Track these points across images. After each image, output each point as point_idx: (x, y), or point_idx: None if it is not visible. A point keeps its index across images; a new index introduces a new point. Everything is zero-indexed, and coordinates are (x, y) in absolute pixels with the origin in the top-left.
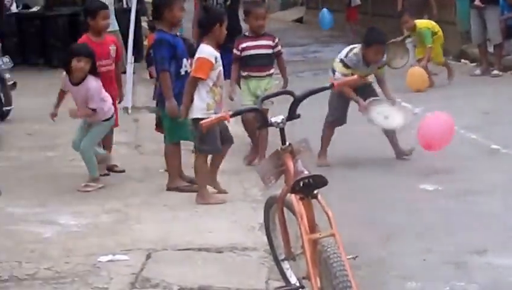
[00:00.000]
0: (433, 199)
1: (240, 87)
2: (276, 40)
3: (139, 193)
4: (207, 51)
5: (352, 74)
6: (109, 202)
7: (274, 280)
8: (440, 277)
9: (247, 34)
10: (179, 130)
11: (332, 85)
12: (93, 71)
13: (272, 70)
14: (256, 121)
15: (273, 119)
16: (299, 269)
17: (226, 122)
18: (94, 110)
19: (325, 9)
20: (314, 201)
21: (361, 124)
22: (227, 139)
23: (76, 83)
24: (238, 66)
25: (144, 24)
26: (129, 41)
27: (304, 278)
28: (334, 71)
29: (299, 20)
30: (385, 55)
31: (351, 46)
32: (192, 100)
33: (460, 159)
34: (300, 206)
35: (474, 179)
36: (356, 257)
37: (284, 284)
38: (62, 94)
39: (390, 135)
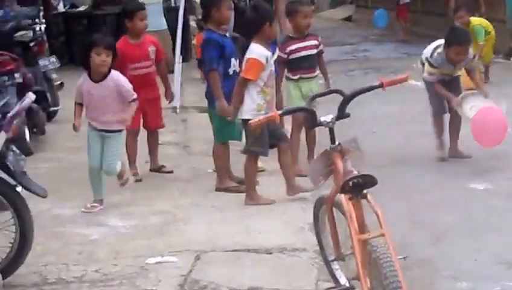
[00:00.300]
0: (484, 198)
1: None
2: (320, 39)
3: (188, 193)
4: (258, 52)
5: (442, 73)
6: (158, 203)
7: (324, 281)
8: (491, 277)
9: (291, 35)
10: (228, 130)
11: (381, 84)
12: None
13: (318, 71)
14: (305, 121)
15: (322, 119)
16: (349, 269)
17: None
18: (135, 100)
19: (381, 9)
20: (363, 201)
21: (413, 123)
22: (281, 138)
23: (99, 80)
24: (284, 69)
25: (192, 23)
26: (177, 41)
27: (353, 278)
28: (423, 64)
29: (348, 19)
30: (470, 53)
31: (436, 43)
32: (242, 101)
33: (510, 157)
34: (349, 206)
35: None
36: (406, 257)
37: (333, 285)
38: (79, 108)
39: (454, 134)
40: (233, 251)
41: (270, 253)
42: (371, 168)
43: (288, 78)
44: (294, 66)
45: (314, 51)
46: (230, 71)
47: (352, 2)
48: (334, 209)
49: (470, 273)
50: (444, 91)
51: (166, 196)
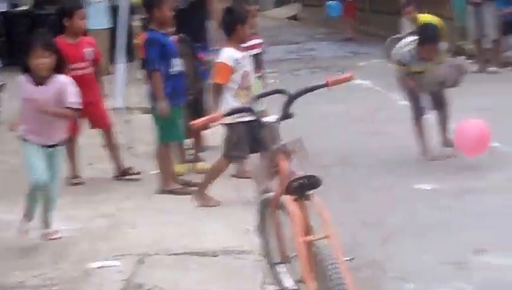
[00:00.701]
0: (432, 198)
1: None
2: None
3: (132, 196)
4: (225, 55)
5: (410, 71)
6: (101, 206)
7: (269, 284)
8: (439, 278)
9: None
10: (171, 130)
11: (326, 83)
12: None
13: (261, 71)
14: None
15: (265, 119)
16: (294, 272)
17: None
18: (77, 109)
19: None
20: (309, 202)
21: (360, 122)
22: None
23: (41, 83)
24: None
25: (137, 22)
26: (119, 40)
27: (299, 281)
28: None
29: (294, 18)
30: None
31: (408, 40)
32: (219, 106)
33: (459, 157)
34: (294, 208)
35: (473, 177)
36: (353, 258)
37: (279, 287)
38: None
39: (443, 127)
40: (178, 254)
41: (216, 256)
42: (317, 168)
43: None
44: None
45: (260, 50)
46: (173, 71)
47: (297, 1)
48: (278, 211)
49: (418, 274)
50: (411, 83)
51: (110, 198)
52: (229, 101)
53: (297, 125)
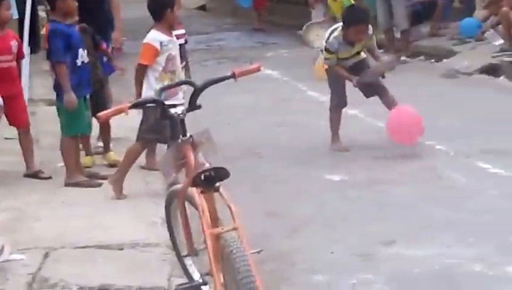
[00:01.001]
0: (341, 189)
1: None
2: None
3: (37, 189)
4: (150, 36)
5: (339, 58)
6: (6, 200)
7: (177, 277)
8: (347, 270)
9: None
10: (77, 123)
11: (233, 74)
12: None
13: (184, 62)
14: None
15: (172, 111)
16: (203, 265)
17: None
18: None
19: None
20: (216, 194)
21: (268, 113)
22: None
23: None
24: None
25: (42, 13)
26: (25, 31)
27: (207, 274)
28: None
29: (203, 8)
30: (369, 32)
31: (333, 27)
32: (142, 88)
33: (367, 147)
34: (201, 200)
35: (382, 168)
36: (261, 250)
37: (186, 280)
38: None
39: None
40: (84, 247)
41: (122, 249)
42: (225, 160)
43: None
44: None
45: (183, 41)
46: (78, 62)
47: None
48: (186, 203)
49: (327, 266)
50: (342, 72)
51: (15, 192)
52: (152, 84)
53: (206, 116)
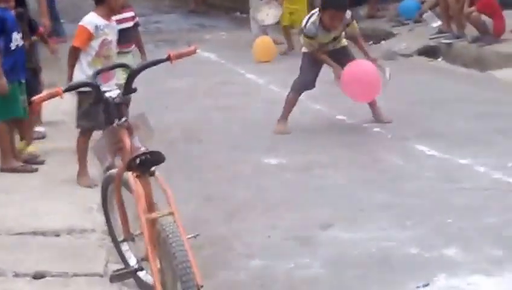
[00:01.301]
0: (278, 173)
1: None
2: (135, 10)
3: None
4: (86, 19)
5: (320, 43)
6: None
7: (113, 263)
8: (285, 254)
9: None
10: (11, 107)
11: (168, 57)
12: None
13: (133, 45)
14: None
15: (108, 94)
16: (139, 250)
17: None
18: None
19: None
20: (152, 179)
21: (206, 97)
22: None
23: None
24: None
25: None
26: None
27: (143, 259)
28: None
29: None
30: (347, 18)
31: (312, 12)
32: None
33: (305, 130)
34: (137, 185)
35: (319, 151)
36: (197, 235)
37: (123, 266)
38: None
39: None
40: (18, 234)
41: (58, 235)
42: (162, 144)
43: None
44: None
45: (131, 24)
46: (13, 46)
47: None
48: (122, 187)
49: (264, 251)
50: (328, 60)
51: None
52: (84, 68)
53: (143, 100)
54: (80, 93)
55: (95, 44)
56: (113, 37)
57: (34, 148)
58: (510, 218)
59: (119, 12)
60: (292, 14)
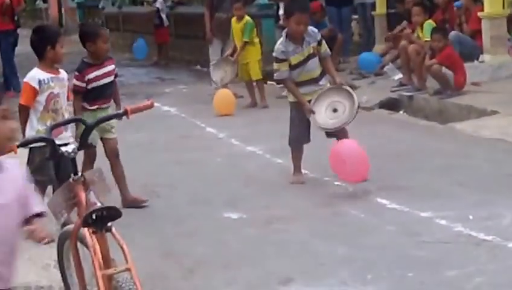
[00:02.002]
0: (238, 228)
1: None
2: (114, 61)
3: None
4: (29, 75)
5: (291, 64)
6: None
7: None
8: None
9: (87, 60)
10: None
11: (126, 111)
12: None
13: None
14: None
15: (63, 149)
16: None
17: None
18: None
19: (140, 39)
20: (109, 234)
21: (165, 150)
22: None
23: None
24: (80, 99)
25: None
26: None
27: None
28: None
29: None
30: (316, 32)
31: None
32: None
33: (266, 185)
34: (93, 240)
35: (280, 205)
36: None
37: None
38: None
39: (340, 134)
40: None
41: None
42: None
43: (84, 108)
44: (94, 96)
45: (112, 78)
46: None
47: (103, 25)
48: (78, 243)
49: None
50: (297, 92)
51: None
52: (34, 124)
53: (99, 154)
54: (31, 149)
55: (42, 99)
56: (60, 90)
57: None
58: (471, 271)
59: (59, 62)
60: (246, 66)
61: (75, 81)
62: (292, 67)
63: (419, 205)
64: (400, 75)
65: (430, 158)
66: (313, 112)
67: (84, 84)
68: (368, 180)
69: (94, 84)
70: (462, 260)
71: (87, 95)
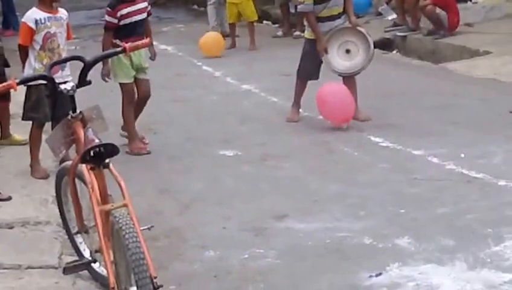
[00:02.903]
0: (233, 164)
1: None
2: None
3: None
4: (26, 15)
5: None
6: None
7: (67, 255)
8: (239, 245)
9: None
10: None
11: (124, 49)
12: None
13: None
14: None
15: (62, 86)
16: (93, 242)
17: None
18: None
19: None
20: (107, 171)
21: (163, 88)
22: None
23: None
24: (111, 36)
25: None
26: None
27: (97, 251)
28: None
29: None
30: None
31: None
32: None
33: (261, 122)
34: (91, 177)
35: (274, 143)
36: (152, 227)
37: (77, 258)
38: None
39: (351, 83)
40: None
41: (12, 227)
42: (117, 136)
43: (114, 45)
44: (126, 33)
45: (145, 15)
46: None
47: None
48: (76, 180)
49: (218, 242)
50: (316, 27)
51: None
52: (32, 63)
53: (99, 92)
54: (29, 86)
55: (38, 38)
56: (57, 29)
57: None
58: (462, 208)
59: (58, 1)
60: (236, 6)
61: (106, 17)
62: (317, 1)
63: (412, 143)
64: (394, 16)
65: (423, 97)
66: (327, 52)
67: (116, 21)
68: (360, 119)
69: (127, 21)
70: (454, 197)
71: (119, 32)
